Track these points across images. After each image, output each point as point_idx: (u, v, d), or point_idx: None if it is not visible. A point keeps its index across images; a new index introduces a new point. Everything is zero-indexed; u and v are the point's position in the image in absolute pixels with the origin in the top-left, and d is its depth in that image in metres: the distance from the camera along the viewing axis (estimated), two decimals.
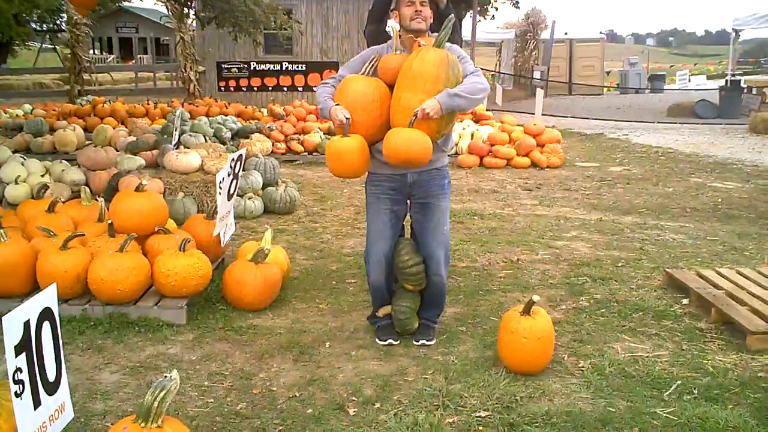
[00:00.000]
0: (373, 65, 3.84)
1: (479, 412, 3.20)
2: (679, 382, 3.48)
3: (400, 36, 3.83)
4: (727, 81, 20.00)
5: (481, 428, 3.07)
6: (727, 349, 3.88)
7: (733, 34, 20.46)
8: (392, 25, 3.94)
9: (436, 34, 3.75)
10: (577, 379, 3.54)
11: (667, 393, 3.38)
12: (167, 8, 16.09)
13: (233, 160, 4.63)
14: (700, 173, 9.93)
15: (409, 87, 3.59)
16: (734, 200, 8.04)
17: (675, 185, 8.99)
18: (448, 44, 3.73)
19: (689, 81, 23.47)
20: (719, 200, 8.04)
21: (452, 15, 3.75)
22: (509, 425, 3.08)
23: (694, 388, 3.41)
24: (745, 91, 18.40)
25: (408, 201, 4.00)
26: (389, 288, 4.08)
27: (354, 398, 3.35)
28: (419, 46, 3.71)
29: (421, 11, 3.77)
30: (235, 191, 4.82)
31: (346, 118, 3.64)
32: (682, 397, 3.34)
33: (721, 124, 16.40)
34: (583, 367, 3.67)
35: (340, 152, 3.71)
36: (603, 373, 3.58)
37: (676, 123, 16.86)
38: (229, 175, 4.56)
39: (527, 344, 3.48)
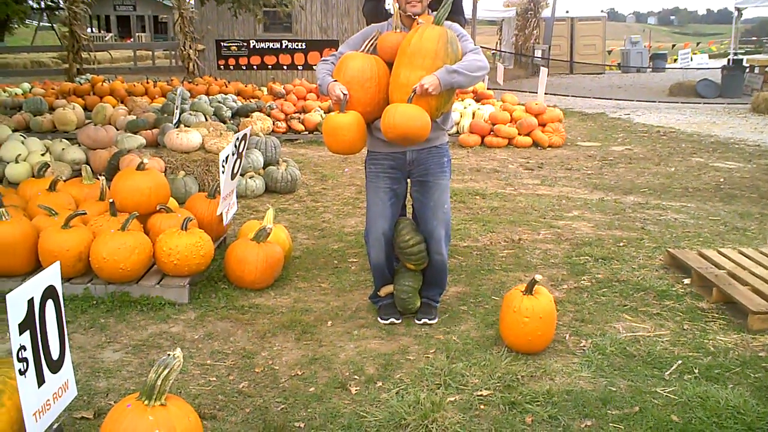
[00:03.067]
0: (372, 43, 3.83)
1: (481, 390, 3.21)
2: (680, 361, 3.50)
3: (399, 14, 3.82)
4: (729, 60, 19.87)
5: (482, 407, 3.08)
6: (728, 329, 3.89)
7: (736, 12, 20.28)
8: (392, 3, 3.92)
9: (435, 12, 3.73)
10: (579, 358, 3.55)
11: (668, 372, 3.39)
12: None
13: (238, 139, 4.61)
14: (701, 153, 9.90)
15: (408, 64, 3.58)
16: (736, 180, 8.03)
17: (677, 165, 8.97)
18: (447, 22, 3.72)
19: (691, 60, 23.31)
20: (721, 180, 8.02)
21: None
22: (510, 404, 3.09)
23: (695, 368, 3.42)
24: (748, 70, 18.29)
25: (408, 180, 4.00)
26: (390, 267, 4.09)
27: (356, 377, 3.36)
28: (417, 24, 3.69)
29: None
30: (238, 170, 4.81)
31: (344, 94, 3.63)
32: (682, 377, 3.35)
33: (723, 103, 16.33)
34: (584, 346, 3.68)
35: (336, 128, 3.71)
36: (604, 353, 3.59)
37: (677, 102, 16.79)
38: (233, 154, 4.55)
39: (529, 323, 3.49)
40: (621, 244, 5.46)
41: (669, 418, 2.97)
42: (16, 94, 13.04)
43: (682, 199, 7.08)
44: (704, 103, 16.51)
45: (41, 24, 37.08)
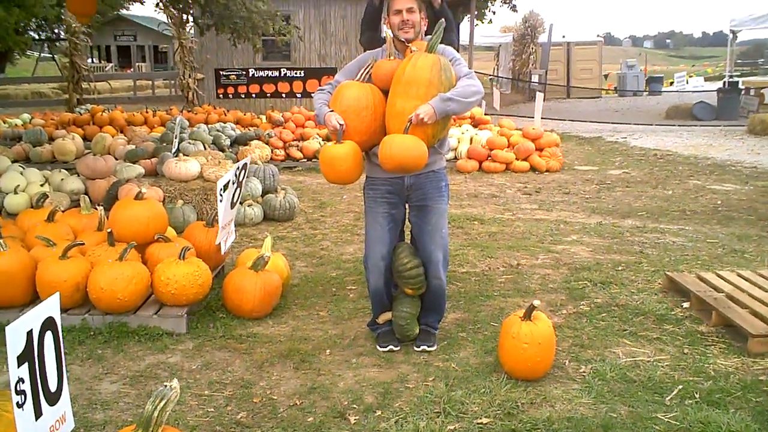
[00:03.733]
0: (368, 71, 3.87)
1: (481, 418, 3.19)
2: (680, 386, 3.48)
3: (393, 41, 3.86)
4: (725, 82, 20.01)
5: None
6: (728, 353, 3.88)
7: (731, 35, 20.44)
8: (386, 31, 3.97)
9: (429, 37, 3.77)
10: (579, 384, 3.54)
11: (669, 397, 3.37)
12: (166, 16, 16.11)
13: (238, 168, 4.64)
14: (698, 176, 9.94)
15: (403, 93, 3.62)
16: (733, 202, 8.05)
17: (674, 188, 9.00)
18: (441, 46, 3.75)
19: (687, 83, 23.48)
20: (718, 202, 8.04)
21: (443, 20, 3.76)
22: (511, 431, 3.07)
23: (696, 393, 3.41)
24: (743, 92, 18.42)
25: (406, 205, 4.01)
26: (389, 293, 4.08)
27: (355, 406, 3.35)
28: (411, 51, 3.73)
29: (408, 20, 3.80)
30: (238, 199, 4.82)
31: (340, 125, 3.67)
32: (683, 402, 3.33)
33: (719, 125, 16.42)
34: (584, 372, 3.67)
35: (333, 159, 3.74)
36: (604, 378, 3.58)
37: (674, 125, 16.88)
38: (232, 183, 4.57)
39: (528, 349, 3.48)
40: (619, 268, 5.46)
41: None
42: (16, 124, 13.12)
43: (680, 222, 7.09)
44: (701, 126, 16.60)
45: (42, 55, 37.42)
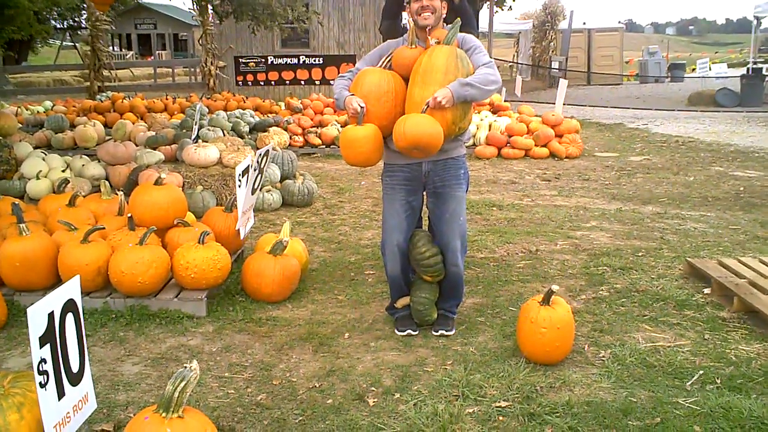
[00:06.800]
0: (389, 59, 3.88)
1: (499, 402, 3.19)
2: (701, 371, 3.45)
3: (413, 29, 3.86)
4: (748, 69, 19.70)
5: (501, 418, 3.06)
6: (750, 339, 3.84)
7: (755, 21, 20.14)
8: (408, 19, 3.98)
9: (449, 26, 3.78)
10: (598, 369, 3.52)
11: (690, 383, 3.35)
12: (193, 2, 16.12)
13: (260, 155, 4.66)
14: (721, 162, 9.81)
15: (421, 82, 3.65)
16: (756, 189, 7.94)
17: (696, 174, 8.89)
18: (461, 35, 3.77)
19: (710, 69, 23.15)
20: (741, 189, 7.94)
21: (458, 19, 3.77)
22: (529, 415, 3.07)
23: (717, 378, 3.38)
24: (767, 79, 18.12)
25: (424, 192, 4.00)
26: (407, 279, 4.08)
27: (373, 389, 3.36)
28: (430, 44, 3.74)
29: (427, 6, 3.77)
30: (259, 186, 4.84)
31: (360, 107, 3.66)
32: (704, 387, 3.30)
33: (742, 112, 16.19)
34: (603, 357, 3.65)
35: (353, 140, 3.74)
36: (624, 363, 3.55)
37: (696, 112, 16.68)
38: (254, 169, 4.59)
39: (546, 334, 3.46)
40: (640, 254, 5.41)
41: (691, 429, 2.93)
42: (38, 112, 13.25)
43: (702, 209, 7.01)
44: (723, 112, 16.38)
45: (64, 43, 37.73)
